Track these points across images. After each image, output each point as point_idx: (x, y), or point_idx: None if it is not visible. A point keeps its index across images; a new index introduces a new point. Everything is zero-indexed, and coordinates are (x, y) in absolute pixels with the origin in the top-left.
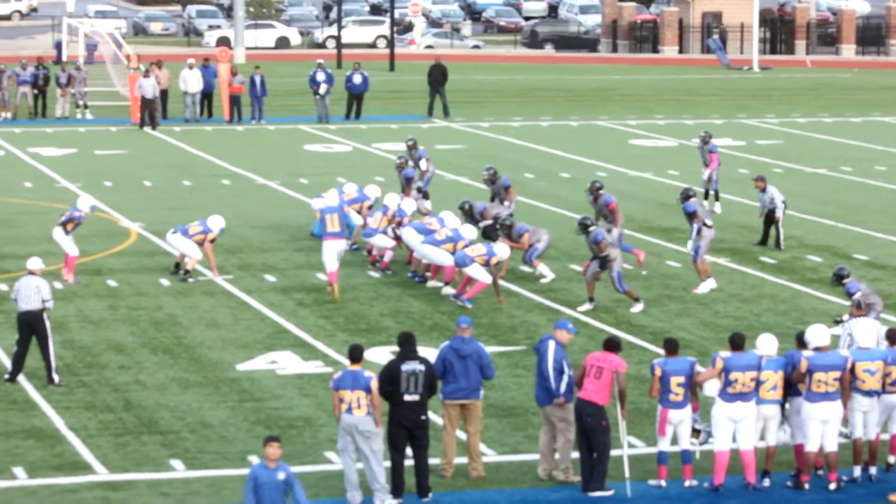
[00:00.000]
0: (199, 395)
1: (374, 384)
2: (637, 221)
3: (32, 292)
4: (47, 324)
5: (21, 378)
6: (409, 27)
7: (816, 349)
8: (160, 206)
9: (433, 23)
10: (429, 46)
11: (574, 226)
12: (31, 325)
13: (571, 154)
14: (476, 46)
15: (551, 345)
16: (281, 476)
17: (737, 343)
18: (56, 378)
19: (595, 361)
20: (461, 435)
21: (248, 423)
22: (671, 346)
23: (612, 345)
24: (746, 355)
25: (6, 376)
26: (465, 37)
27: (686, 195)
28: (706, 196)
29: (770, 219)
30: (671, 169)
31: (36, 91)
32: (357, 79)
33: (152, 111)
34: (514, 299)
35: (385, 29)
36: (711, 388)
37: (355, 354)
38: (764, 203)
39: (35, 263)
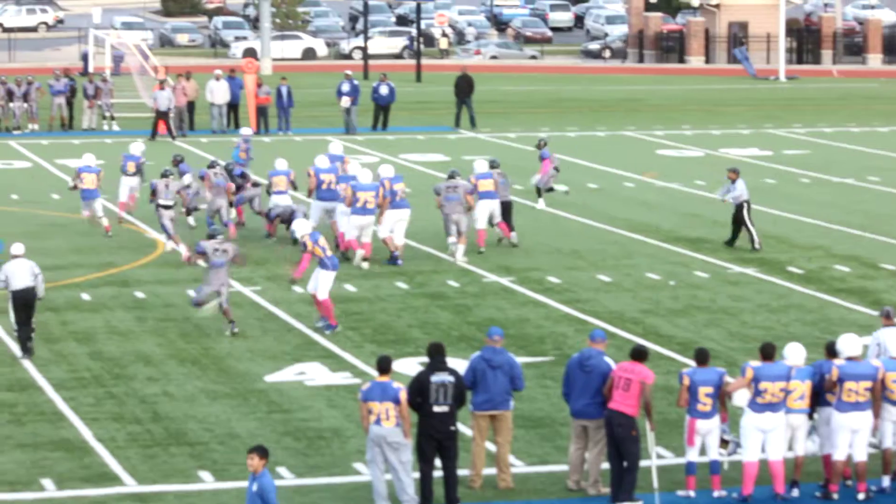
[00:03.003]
0: (227, 407)
1: (403, 395)
2: (664, 231)
3: (26, 271)
4: (36, 301)
5: (49, 389)
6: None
7: (848, 358)
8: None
9: (459, 34)
10: (493, 57)
11: (602, 237)
12: (26, 302)
13: (599, 164)
14: (533, 57)
15: (608, 360)
16: (255, 488)
17: (767, 353)
18: (32, 346)
19: (623, 373)
20: (490, 446)
21: (277, 435)
22: (701, 357)
23: (639, 354)
24: (776, 365)
25: (20, 355)
26: (522, 48)
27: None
28: (539, 194)
29: (739, 218)
30: (698, 179)
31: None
32: (384, 90)
33: (167, 122)
34: (542, 310)
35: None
36: (741, 398)
37: (384, 365)
38: (729, 191)
39: (19, 249)
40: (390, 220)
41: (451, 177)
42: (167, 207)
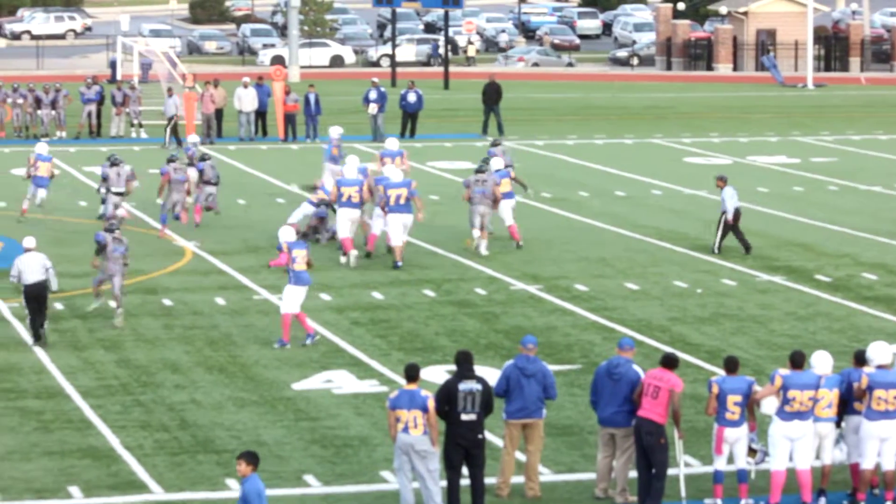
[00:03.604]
0: (254, 415)
1: (431, 403)
2: (691, 239)
3: (38, 265)
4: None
5: (76, 397)
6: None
7: (878, 367)
8: (215, 225)
9: (488, 41)
10: (535, 64)
11: (630, 245)
12: (37, 295)
13: (626, 172)
14: (570, 64)
15: (637, 369)
16: (237, 495)
17: (797, 361)
18: (46, 336)
19: (652, 380)
20: (519, 455)
21: (304, 443)
22: (731, 365)
23: (669, 362)
24: (806, 374)
25: (32, 342)
26: (560, 55)
27: None
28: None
29: (727, 224)
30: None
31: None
32: (412, 97)
33: (174, 128)
34: (570, 318)
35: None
36: (769, 405)
37: (412, 373)
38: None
39: (31, 242)
40: (393, 223)
41: (481, 171)
42: (117, 194)
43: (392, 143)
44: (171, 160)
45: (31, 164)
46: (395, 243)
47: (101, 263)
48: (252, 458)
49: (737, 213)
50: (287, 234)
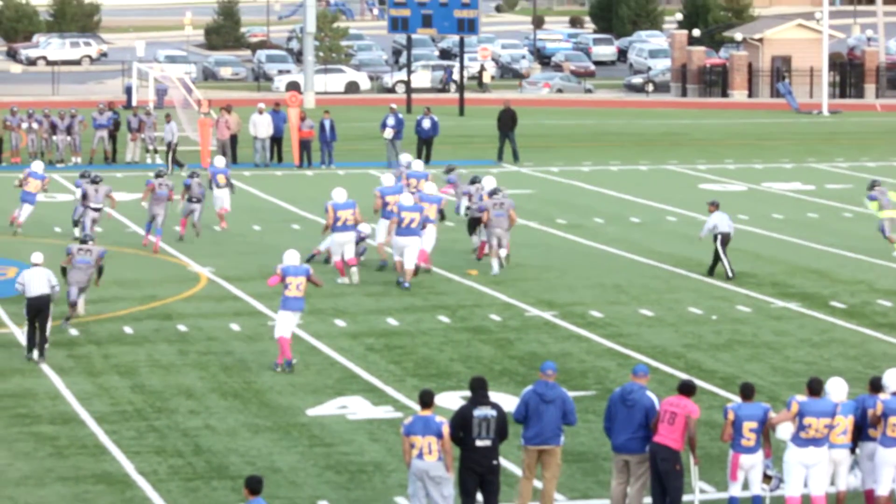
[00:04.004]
0: (269, 441)
1: (446, 429)
2: (706, 265)
3: (42, 280)
4: (51, 307)
5: (91, 422)
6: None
7: (893, 393)
8: (230, 251)
9: (503, 68)
10: (559, 90)
11: (645, 271)
12: (39, 309)
13: (641, 198)
14: (588, 90)
15: (651, 395)
16: None
17: (814, 388)
18: (47, 351)
19: (669, 406)
20: (537, 483)
21: (318, 469)
22: (747, 392)
23: (686, 388)
24: (823, 401)
25: (27, 355)
26: (581, 81)
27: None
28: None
29: (716, 248)
30: (741, 213)
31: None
32: (426, 123)
33: (172, 154)
34: (585, 344)
35: (455, 74)
36: (784, 431)
37: (426, 399)
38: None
39: (38, 258)
40: (399, 245)
41: (495, 193)
42: (96, 210)
43: (418, 165)
44: (158, 175)
45: (23, 179)
46: (406, 266)
47: (69, 274)
48: (252, 484)
49: (726, 237)
50: (288, 258)
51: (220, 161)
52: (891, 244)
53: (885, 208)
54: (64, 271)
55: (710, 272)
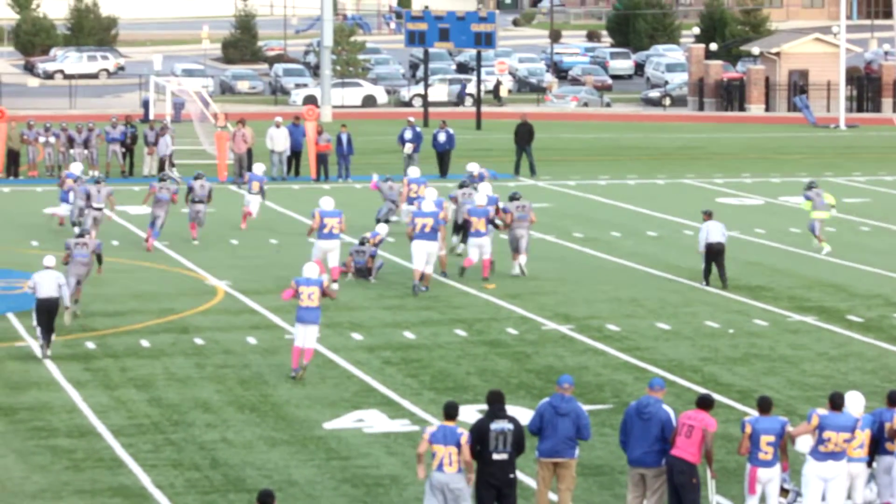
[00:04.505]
0: (285, 454)
1: (464, 439)
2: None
3: (52, 282)
4: (59, 308)
5: (108, 435)
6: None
7: None
8: (247, 265)
9: (520, 82)
10: (585, 104)
11: (661, 285)
12: (48, 309)
13: (658, 212)
14: (608, 104)
15: (667, 409)
16: None
17: (836, 403)
18: (49, 352)
19: (686, 420)
20: (551, 494)
21: (335, 482)
22: (764, 405)
23: (704, 402)
24: (843, 416)
25: (41, 353)
26: (602, 95)
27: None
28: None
29: (711, 256)
30: (758, 227)
31: (124, 150)
32: (442, 137)
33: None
34: (601, 358)
35: (472, 87)
36: (803, 444)
37: (450, 412)
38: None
39: (50, 261)
40: (417, 249)
41: (516, 197)
42: (97, 209)
43: (415, 172)
44: (161, 179)
45: (62, 181)
46: (417, 267)
47: (69, 268)
48: (264, 498)
49: (719, 246)
50: (307, 270)
51: (258, 168)
52: (819, 243)
53: (818, 209)
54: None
55: (707, 280)
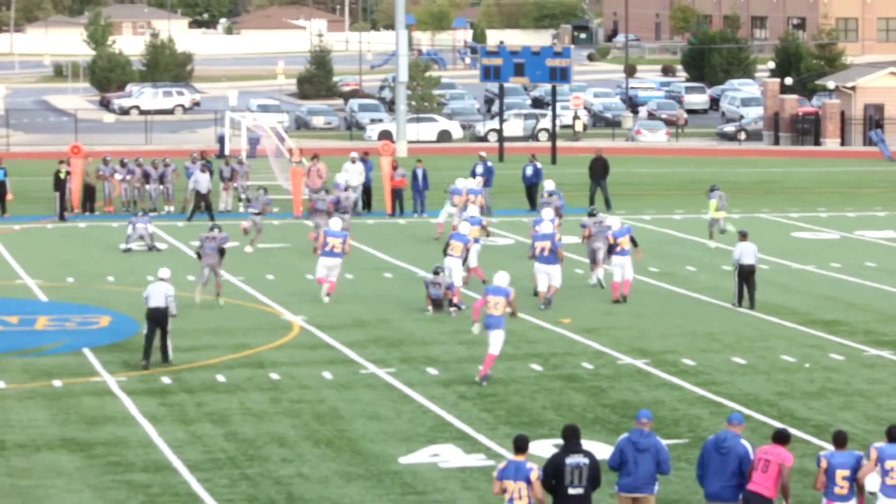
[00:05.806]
0: (361, 489)
1: (534, 475)
2: (799, 314)
3: (161, 293)
4: (169, 319)
5: (184, 470)
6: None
7: None
8: (322, 300)
9: (595, 116)
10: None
11: (737, 319)
12: (157, 320)
13: (733, 247)
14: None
15: (745, 443)
16: None
17: (893, 435)
18: (171, 356)
19: (763, 454)
20: None
21: None
22: (839, 440)
23: (781, 437)
24: None
25: (143, 363)
26: (679, 127)
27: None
28: None
29: (742, 277)
30: (833, 262)
31: None
32: (529, 171)
33: (208, 204)
34: (677, 392)
35: (546, 122)
36: (872, 482)
37: (520, 445)
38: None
39: (165, 273)
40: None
41: (593, 214)
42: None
43: (470, 183)
44: (211, 228)
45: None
46: (541, 289)
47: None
48: None
49: (750, 268)
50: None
51: (335, 224)
52: (709, 238)
53: (721, 210)
54: (199, 255)
55: (739, 301)
